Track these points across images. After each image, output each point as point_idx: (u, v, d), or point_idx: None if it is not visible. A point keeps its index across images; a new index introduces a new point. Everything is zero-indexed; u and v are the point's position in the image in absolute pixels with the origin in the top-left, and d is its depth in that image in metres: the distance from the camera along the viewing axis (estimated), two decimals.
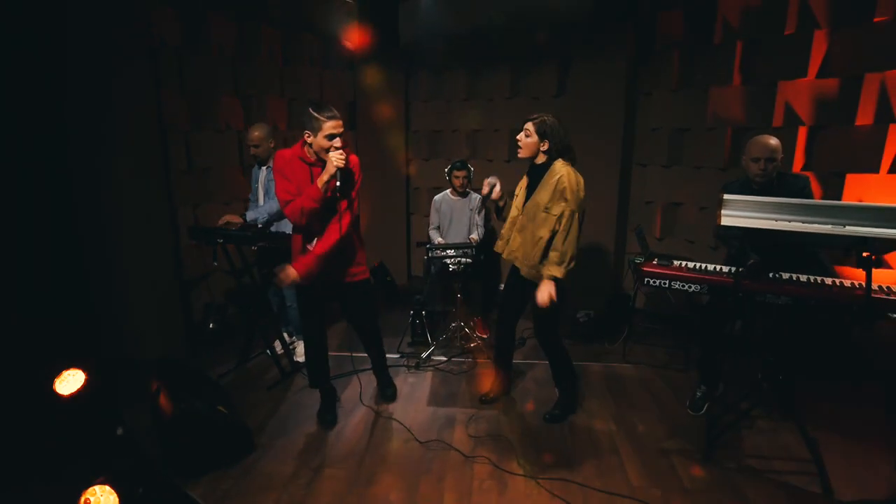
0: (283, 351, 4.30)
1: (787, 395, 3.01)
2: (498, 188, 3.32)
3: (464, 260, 4.28)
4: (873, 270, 2.48)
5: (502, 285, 4.16)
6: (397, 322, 4.90)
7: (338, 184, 2.84)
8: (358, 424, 3.36)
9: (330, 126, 2.86)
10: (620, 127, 4.92)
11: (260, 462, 3.01)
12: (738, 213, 2.46)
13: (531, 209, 3.14)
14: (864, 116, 3.60)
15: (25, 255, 3.47)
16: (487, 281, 5.00)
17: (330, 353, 3.49)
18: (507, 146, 5.76)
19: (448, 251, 4.28)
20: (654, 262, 3.09)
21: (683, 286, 2.88)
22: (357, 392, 3.75)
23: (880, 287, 2.70)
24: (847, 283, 2.76)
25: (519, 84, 5.61)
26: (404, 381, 3.89)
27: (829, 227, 2.25)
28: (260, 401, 3.65)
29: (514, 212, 3.30)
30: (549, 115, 3.14)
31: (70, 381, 2.47)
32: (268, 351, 4.06)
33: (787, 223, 2.33)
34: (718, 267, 3.06)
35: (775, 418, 3.30)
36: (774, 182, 3.06)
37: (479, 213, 4.83)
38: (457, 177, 4.74)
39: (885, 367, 3.44)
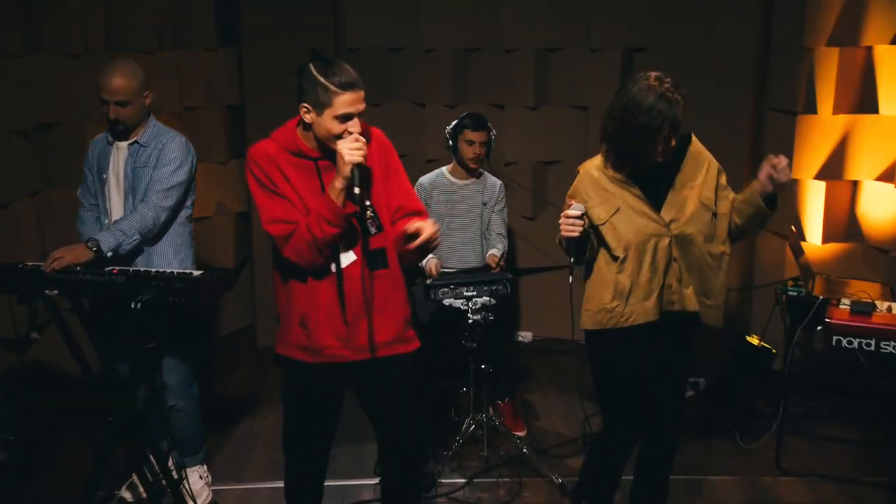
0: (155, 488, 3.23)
1: None
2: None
3: (488, 303, 3.43)
4: None
5: (522, 335, 3.69)
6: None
7: (357, 190, 2.34)
8: None
9: (344, 101, 2.34)
10: None
11: None
12: None
13: None
14: None
15: None
16: (503, 334, 3.98)
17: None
18: None
19: (461, 288, 3.45)
20: (846, 308, 2.33)
21: None
22: None
23: None
24: None
25: None
26: None
27: None
28: None
29: None
30: None
31: None
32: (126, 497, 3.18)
33: None
34: None
35: None
36: None
37: (501, 211, 3.95)
38: (470, 140, 3.67)
39: None
